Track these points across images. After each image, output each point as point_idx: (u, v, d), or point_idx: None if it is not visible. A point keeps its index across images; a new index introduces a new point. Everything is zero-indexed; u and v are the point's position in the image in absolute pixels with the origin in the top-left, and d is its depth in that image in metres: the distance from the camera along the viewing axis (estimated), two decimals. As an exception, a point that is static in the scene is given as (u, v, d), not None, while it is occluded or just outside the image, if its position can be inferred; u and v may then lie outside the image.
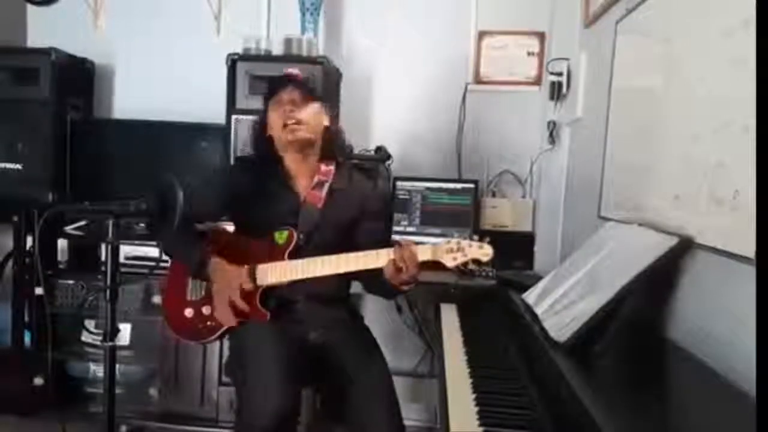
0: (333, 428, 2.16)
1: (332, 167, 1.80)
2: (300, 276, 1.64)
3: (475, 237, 1.55)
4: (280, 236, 1.69)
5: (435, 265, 1.55)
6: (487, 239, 1.53)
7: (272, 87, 1.75)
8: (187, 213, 1.71)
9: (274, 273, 1.67)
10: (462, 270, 1.57)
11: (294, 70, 1.80)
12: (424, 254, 1.53)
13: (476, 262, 1.54)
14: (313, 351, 1.71)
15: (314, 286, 1.68)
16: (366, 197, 1.84)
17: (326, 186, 1.76)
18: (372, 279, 1.66)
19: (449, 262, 1.53)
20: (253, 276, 1.67)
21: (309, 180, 1.77)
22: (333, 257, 1.62)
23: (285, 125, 1.69)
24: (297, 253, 1.68)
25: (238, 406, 1.70)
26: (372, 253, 1.58)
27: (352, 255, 1.61)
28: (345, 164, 1.86)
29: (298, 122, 1.69)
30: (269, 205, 1.74)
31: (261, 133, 1.78)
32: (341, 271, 1.61)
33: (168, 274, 1.83)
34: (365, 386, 1.63)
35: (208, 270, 1.68)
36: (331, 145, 1.81)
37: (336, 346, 1.71)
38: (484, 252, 1.52)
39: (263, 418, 1.47)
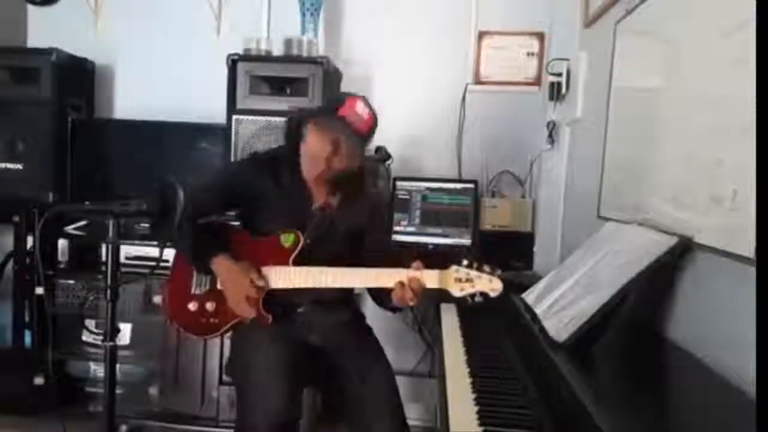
0: (335, 429, 2.16)
1: None
2: (307, 285, 1.62)
3: (486, 268, 1.50)
4: (287, 239, 1.66)
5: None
6: (498, 272, 1.49)
7: (338, 124, 1.58)
8: (195, 203, 1.67)
9: (280, 278, 1.64)
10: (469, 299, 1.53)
11: (366, 117, 1.59)
12: (431, 282, 1.53)
13: (483, 294, 1.50)
14: (314, 353, 1.71)
15: (319, 293, 1.66)
16: (375, 208, 1.83)
17: (338, 195, 1.74)
18: (378, 292, 1.69)
19: (456, 292, 1.51)
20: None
21: (323, 188, 1.73)
22: (343, 271, 1.60)
23: (326, 166, 1.61)
24: (301, 258, 1.65)
25: (239, 407, 1.70)
26: (384, 272, 1.57)
27: (363, 271, 1.60)
28: None
29: (339, 171, 1.64)
30: (281, 205, 1.70)
31: (293, 135, 1.70)
32: (348, 286, 1.63)
33: (174, 262, 1.79)
34: (370, 388, 1.64)
35: (211, 266, 1.65)
36: (357, 181, 1.75)
37: (338, 348, 1.72)
38: (493, 287, 1.48)
39: (264, 421, 1.48)
